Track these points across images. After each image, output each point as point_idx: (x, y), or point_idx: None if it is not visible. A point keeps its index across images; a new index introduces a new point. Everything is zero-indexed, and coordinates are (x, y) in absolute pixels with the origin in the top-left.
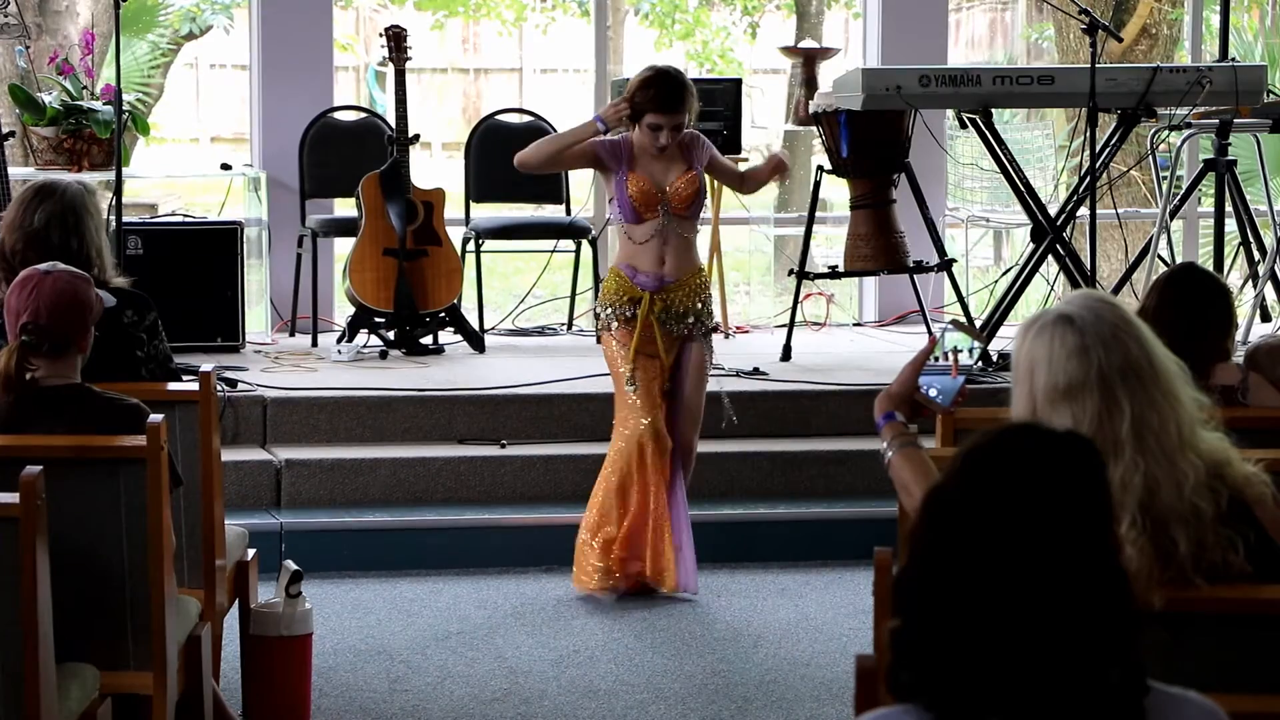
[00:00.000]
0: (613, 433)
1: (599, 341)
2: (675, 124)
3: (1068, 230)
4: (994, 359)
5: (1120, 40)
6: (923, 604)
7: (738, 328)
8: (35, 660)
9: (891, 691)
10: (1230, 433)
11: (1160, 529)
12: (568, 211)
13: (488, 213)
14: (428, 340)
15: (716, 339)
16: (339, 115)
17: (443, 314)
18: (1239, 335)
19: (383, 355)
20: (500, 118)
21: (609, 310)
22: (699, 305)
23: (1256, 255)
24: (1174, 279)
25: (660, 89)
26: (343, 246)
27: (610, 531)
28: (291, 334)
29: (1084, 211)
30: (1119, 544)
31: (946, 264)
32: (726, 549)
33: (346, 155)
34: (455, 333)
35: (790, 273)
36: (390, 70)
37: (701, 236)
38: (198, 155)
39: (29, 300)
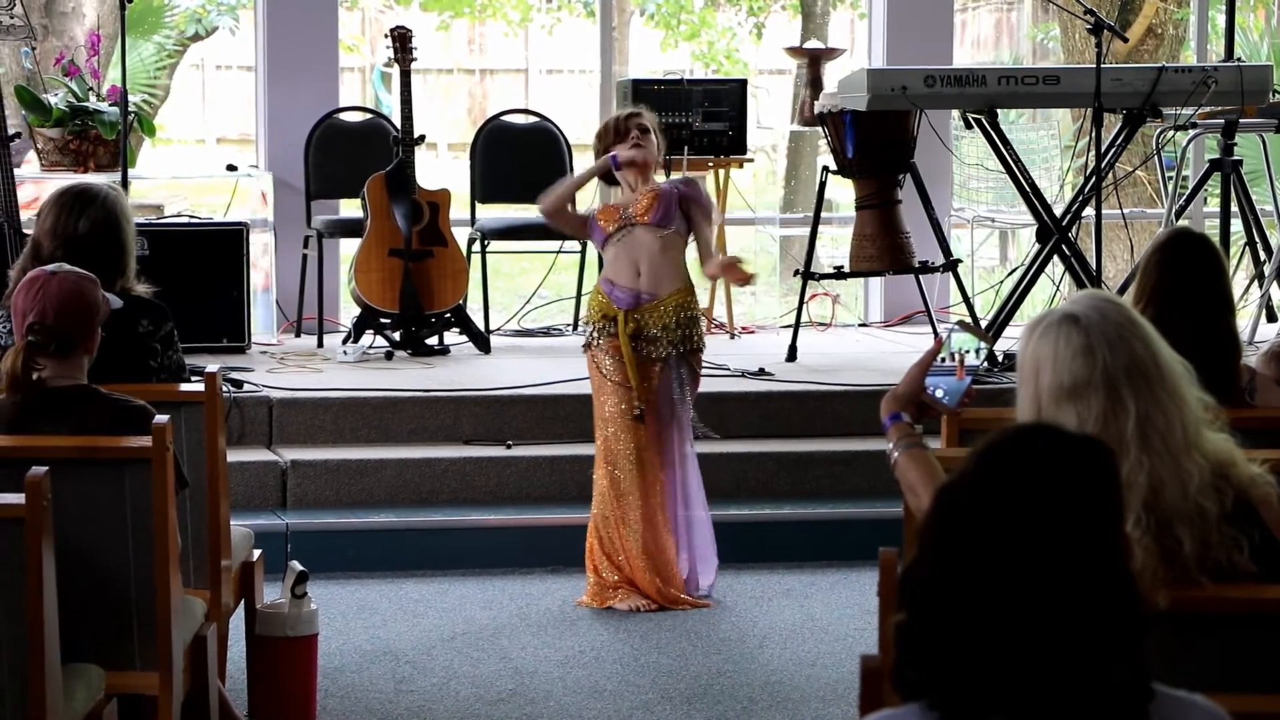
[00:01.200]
0: (595, 464)
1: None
2: (639, 124)
3: (1073, 230)
4: (1000, 359)
5: (1126, 40)
6: (930, 600)
7: (743, 328)
8: (41, 660)
9: (896, 687)
10: (1235, 433)
11: (1165, 528)
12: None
13: (493, 213)
14: (433, 341)
15: (722, 340)
16: (344, 116)
17: (448, 314)
18: (1245, 336)
19: (388, 356)
20: (506, 118)
21: (590, 329)
22: (675, 327)
23: (1262, 255)
24: (1167, 244)
25: (619, 110)
26: (348, 247)
27: (616, 567)
28: (297, 335)
29: (1089, 211)
30: (1128, 547)
31: (952, 264)
32: (732, 550)
33: (352, 156)
34: (461, 333)
35: (796, 273)
36: (396, 71)
37: None
38: (203, 156)
39: (35, 300)
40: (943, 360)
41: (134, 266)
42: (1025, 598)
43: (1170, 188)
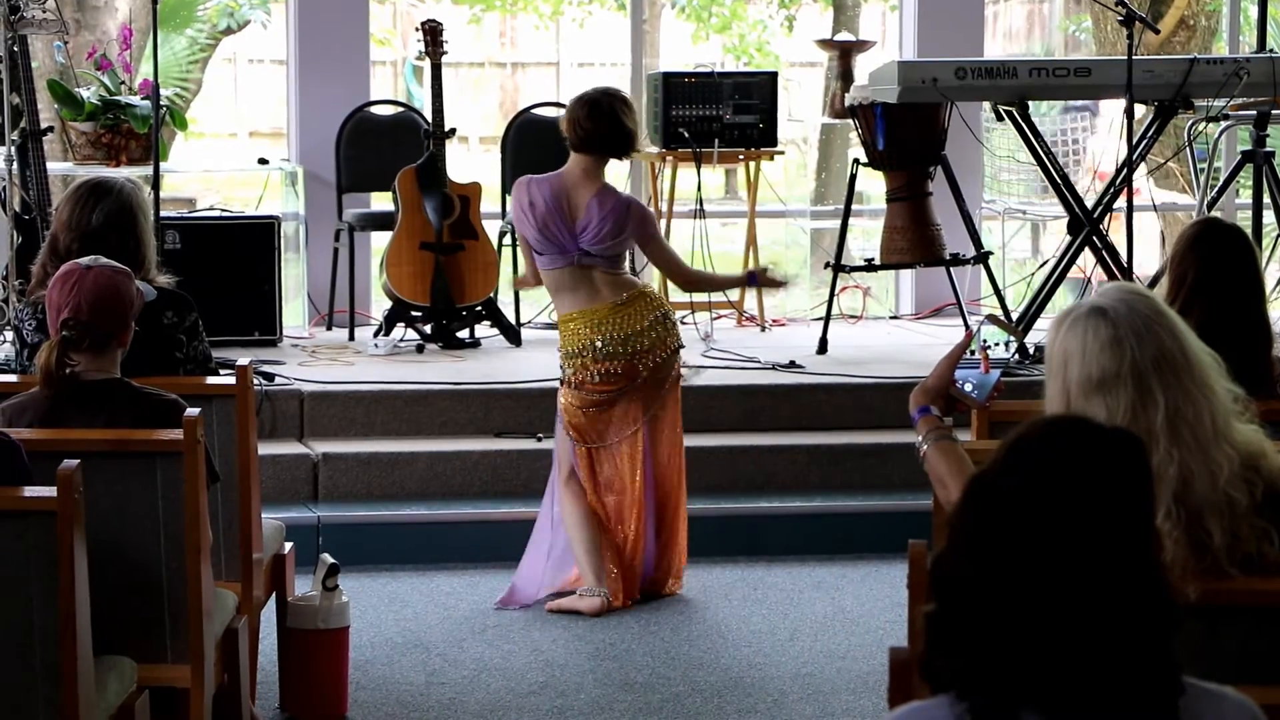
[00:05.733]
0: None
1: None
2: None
3: (1104, 222)
4: (1030, 352)
5: (1158, 32)
6: (959, 591)
7: (774, 320)
8: (73, 653)
9: (925, 678)
10: (1266, 425)
11: (1194, 520)
12: None
13: None
14: (464, 334)
15: (753, 333)
16: (376, 109)
17: (479, 308)
18: (1277, 328)
19: (419, 349)
20: (537, 111)
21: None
22: None
23: None
24: (1199, 235)
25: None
26: (379, 240)
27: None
28: (328, 328)
29: (1121, 203)
30: (1160, 541)
31: (983, 256)
32: (762, 542)
33: (383, 149)
34: (492, 326)
35: (826, 265)
36: (427, 64)
37: (737, 229)
38: (235, 150)
39: (70, 295)
40: (972, 354)
41: (154, 258)
42: (1056, 590)
43: (1202, 180)
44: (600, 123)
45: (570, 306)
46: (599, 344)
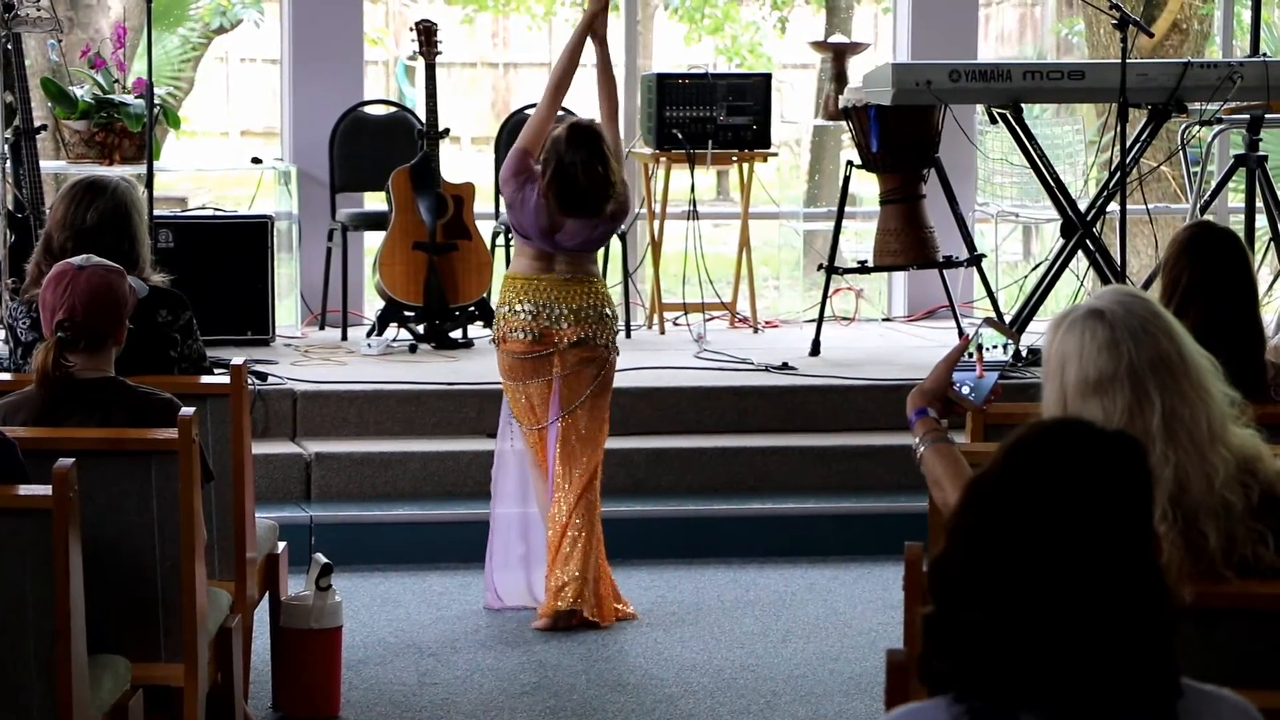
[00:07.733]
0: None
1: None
2: None
3: (1098, 226)
4: (1024, 354)
5: (1151, 35)
6: (959, 593)
7: (767, 322)
8: (68, 651)
9: (923, 680)
10: (1261, 429)
11: (1190, 522)
12: None
13: None
14: (457, 334)
15: (746, 334)
16: (369, 109)
17: (472, 308)
18: (1268, 331)
19: (412, 349)
20: (530, 111)
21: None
22: None
23: None
24: (1191, 238)
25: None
26: (373, 240)
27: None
28: (321, 328)
29: (1114, 207)
30: (1159, 544)
31: (976, 259)
32: (754, 544)
33: (377, 149)
34: (485, 326)
35: (820, 267)
36: (420, 64)
37: (730, 230)
38: (227, 149)
39: (64, 296)
40: (969, 356)
41: (148, 257)
42: (1055, 592)
43: (1195, 183)
44: (594, 182)
45: (520, 270)
46: (527, 306)
